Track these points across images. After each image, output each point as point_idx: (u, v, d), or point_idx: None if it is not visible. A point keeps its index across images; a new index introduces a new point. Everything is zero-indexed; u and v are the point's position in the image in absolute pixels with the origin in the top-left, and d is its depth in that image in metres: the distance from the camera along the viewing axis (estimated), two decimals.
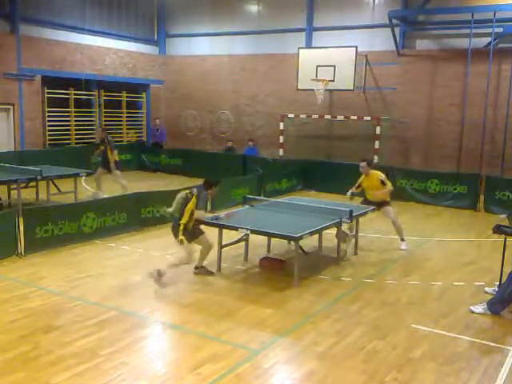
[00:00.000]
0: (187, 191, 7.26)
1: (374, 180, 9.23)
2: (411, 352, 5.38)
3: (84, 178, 13.61)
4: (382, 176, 9.28)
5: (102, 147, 13.00)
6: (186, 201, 7.13)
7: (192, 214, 7.06)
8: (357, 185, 9.45)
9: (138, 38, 19.83)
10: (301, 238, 7.06)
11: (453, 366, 5.14)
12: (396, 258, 8.82)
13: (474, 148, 15.32)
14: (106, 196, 11.87)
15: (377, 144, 15.60)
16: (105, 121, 18.85)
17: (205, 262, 7.63)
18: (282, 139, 17.24)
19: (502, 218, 7.29)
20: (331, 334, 5.74)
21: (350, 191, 9.41)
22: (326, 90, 15.92)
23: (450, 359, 5.26)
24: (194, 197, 7.07)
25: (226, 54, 19.30)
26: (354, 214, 8.21)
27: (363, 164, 9.30)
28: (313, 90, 15.86)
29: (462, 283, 7.55)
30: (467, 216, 12.42)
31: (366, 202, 9.42)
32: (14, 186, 11.02)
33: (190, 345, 5.44)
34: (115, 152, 13.07)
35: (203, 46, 19.87)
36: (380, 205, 9.29)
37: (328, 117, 16.85)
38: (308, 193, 14.37)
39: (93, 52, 17.99)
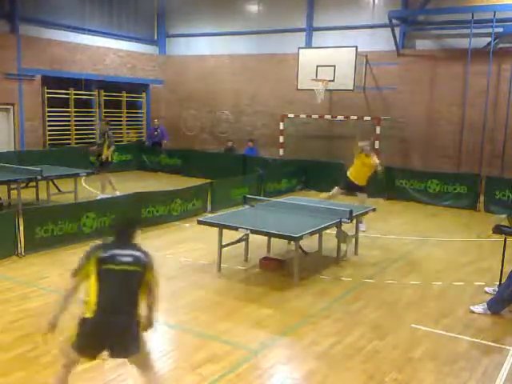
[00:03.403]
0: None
1: (371, 160, 10.14)
2: (411, 352, 5.38)
3: (84, 177, 13.61)
4: (377, 160, 10.20)
5: (101, 141, 12.98)
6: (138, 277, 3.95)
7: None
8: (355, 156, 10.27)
9: (138, 37, 19.83)
10: (301, 238, 7.06)
11: (453, 366, 5.14)
12: (396, 257, 8.82)
13: (473, 148, 15.33)
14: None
15: (377, 144, 15.59)
16: (102, 120, 18.85)
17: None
18: (281, 139, 17.23)
19: (501, 218, 7.28)
20: (331, 334, 5.74)
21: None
22: (326, 90, 15.92)
23: (450, 359, 5.26)
24: None
25: (226, 53, 19.30)
26: (354, 214, 8.21)
27: (368, 143, 10.34)
28: (313, 90, 15.86)
29: (461, 283, 7.55)
30: (467, 216, 12.41)
31: (346, 183, 10.32)
32: (14, 185, 11.03)
33: (190, 345, 5.44)
34: (111, 149, 12.97)
35: (203, 46, 19.86)
36: (359, 189, 10.28)
37: (328, 117, 16.84)
38: (308, 193, 14.37)
39: (93, 52, 17.99)
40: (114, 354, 3.95)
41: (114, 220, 3.91)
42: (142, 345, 3.99)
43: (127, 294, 3.90)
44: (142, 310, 4.01)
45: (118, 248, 3.94)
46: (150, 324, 4.08)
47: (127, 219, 4.26)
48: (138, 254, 3.95)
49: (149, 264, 3.97)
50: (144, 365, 4.07)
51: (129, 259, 3.88)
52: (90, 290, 3.85)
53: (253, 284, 7.31)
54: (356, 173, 10.33)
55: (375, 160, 10.11)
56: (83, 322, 3.84)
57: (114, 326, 3.84)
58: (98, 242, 3.99)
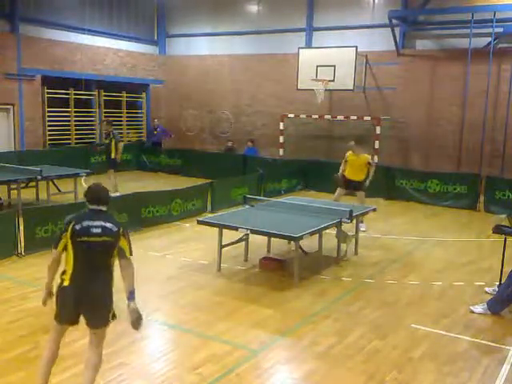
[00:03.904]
0: None
1: (362, 160, 10.45)
2: (411, 352, 5.38)
3: (84, 178, 13.60)
4: (370, 158, 10.63)
5: (107, 141, 13.03)
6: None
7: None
8: (344, 160, 10.58)
9: (138, 37, 19.83)
10: (301, 238, 7.06)
11: (453, 366, 5.14)
12: (396, 257, 8.82)
13: (473, 148, 15.32)
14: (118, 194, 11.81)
15: (377, 144, 15.59)
16: (103, 120, 18.85)
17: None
18: (281, 139, 17.23)
19: (501, 218, 7.28)
20: (331, 334, 5.74)
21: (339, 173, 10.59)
22: (326, 90, 15.91)
23: (450, 359, 5.26)
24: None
25: (225, 53, 19.31)
26: (354, 214, 8.21)
27: (351, 143, 10.70)
28: (313, 90, 15.86)
29: (461, 283, 7.55)
30: (467, 216, 12.41)
31: (345, 180, 10.50)
32: (14, 186, 11.03)
33: (190, 345, 5.44)
34: (120, 145, 13.00)
35: (203, 46, 19.87)
36: (357, 187, 10.46)
37: (328, 117, 16.85)
38: (308, 193, 14.37)
39: (93, 52, 17.99)
40: (88, 322, 4.17)
41: (86, 191, 4.26)
42: (112, 317, 4.19)
43: (100, 264, 4.12)
44: (124, 289, 4.14)
45: (89, 219, 4.07)
46: (134, 315, 4.08)
47: (97, 189, 4.25)
48: (108, 224, 4.09)
49: (119, 233, 4.13)
50: (102, 339, 4.24)
51: (99, 231, 4.05)
52: (67, 260, 4.10)
53: (253, 284, 7.31)
54: (352, 171, 10.58)
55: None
56: (62, 289, 4.11)
57: (89, 295, 4.06)
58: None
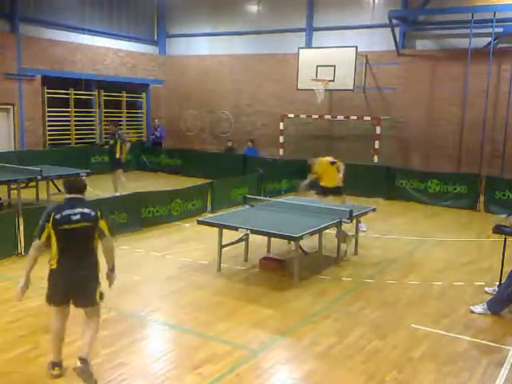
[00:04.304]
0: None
1: (324, 163, 10.21)
2: (411, 352, 5.38)
3: (84, 178, 13.59)
4: (330, 158, 10.31)
5: (112, 141, 13.05)
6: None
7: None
8: (313, 172, 10.32)
9: (138, 37, 19.85)
10: (301, 238, 7.06)
11: (453, 365, 5.13)
12: (396, 257, 8.82)
13: (473, 148, 15.33)
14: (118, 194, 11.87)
15: (377, 144, 15.60)
16: (105, 121, 18.89)
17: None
18: (281, 139, 17.23)
19: (501, 218, 7.28)
20: (331, 334, 5.74)
21: (303, 185, 10.31)
22: (326, 90, 15.91)
23: (450, 359, 5.26)
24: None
25: (226, 53, 19.31)
26: (354, 214, 8.21)
27: (311, 159, 10.45)
28: (313, 89, 15.86)
29: (461, 283, 7.55)
30: (467, 216, 12.41)
31: (322, 190, 10.25)
32: (14, 186, 11.03)
33: (190, 345, 5.44)
34: (127, 145, 13.04)
35: (203, 46, 19.87)
36: (336, 192, 10.21)
37: (328, 117, 16.85)
38: (308, 193, 14.34)
39: (93, 52, 17.99)
40: (76, 304, 4.62)
41: (65, 182, 4.77)
42: (99, 297, 4.63)
43: (83, 248, 4.52)
44: (104, 264, 4.68)
45: (69, 208, 4.43)
46: (111, 278, 4.75)
47: (76, 179, 4.97)
48: (86, 210, 4.48)
49: (97, 217, 4.52)
50: (95, 314, 4.69)
51: (78, 217, 4.42)
52: (52, 247, 4.46)
53: (253, 284, 7.31)
54: (324, 178, 10.32)
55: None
56: (50, 272, 4.52)
57: (74, 279, 4.47)
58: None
